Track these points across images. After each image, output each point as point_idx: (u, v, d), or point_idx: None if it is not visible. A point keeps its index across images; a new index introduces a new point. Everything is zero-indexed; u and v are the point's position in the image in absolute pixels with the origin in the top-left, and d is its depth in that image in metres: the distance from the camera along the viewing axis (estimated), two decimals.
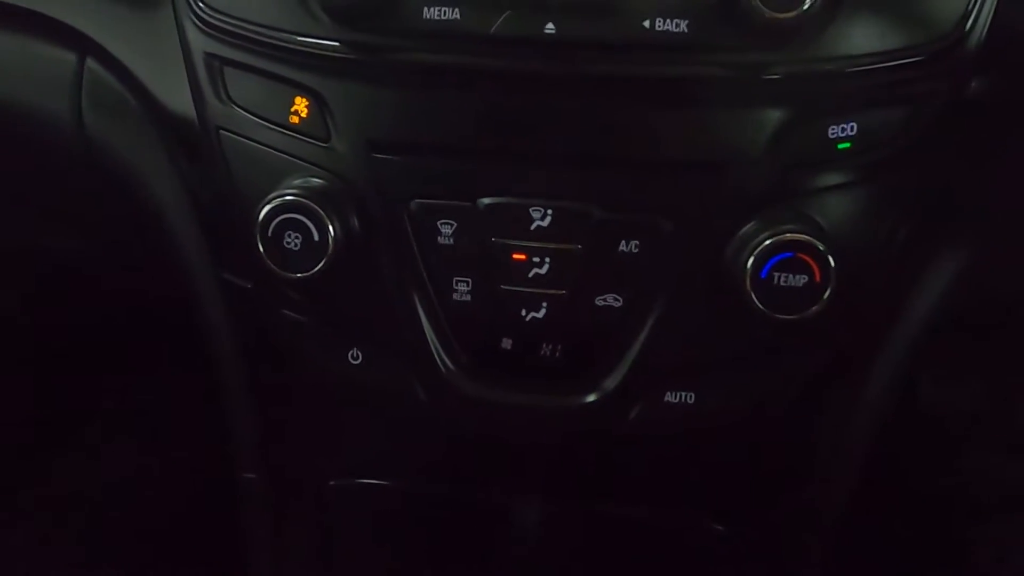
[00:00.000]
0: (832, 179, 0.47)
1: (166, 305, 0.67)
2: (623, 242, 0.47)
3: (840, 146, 0.46)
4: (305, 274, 0.47)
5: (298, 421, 0.58)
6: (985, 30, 0.46)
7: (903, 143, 0.47)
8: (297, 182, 0.49)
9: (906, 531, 0.73)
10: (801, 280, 0.44)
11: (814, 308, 0.45)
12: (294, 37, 0.48)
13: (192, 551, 0.81)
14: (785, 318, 0.45)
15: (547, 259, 0.48)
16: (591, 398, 0.50)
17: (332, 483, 0.57)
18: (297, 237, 0.47)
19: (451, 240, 0.49)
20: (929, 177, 0.48)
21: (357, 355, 0.53)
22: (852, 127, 0.46)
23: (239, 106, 0.51)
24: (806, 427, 0.54)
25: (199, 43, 0.50)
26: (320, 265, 0.47)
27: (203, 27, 0.49)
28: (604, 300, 0.49)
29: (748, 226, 0.46)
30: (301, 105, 0.49)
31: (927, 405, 0.72)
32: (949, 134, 0.47)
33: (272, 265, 0.48)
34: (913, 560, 0.72)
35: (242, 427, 0.58)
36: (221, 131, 0.51)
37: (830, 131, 0.46)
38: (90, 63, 0.55)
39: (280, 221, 0.47)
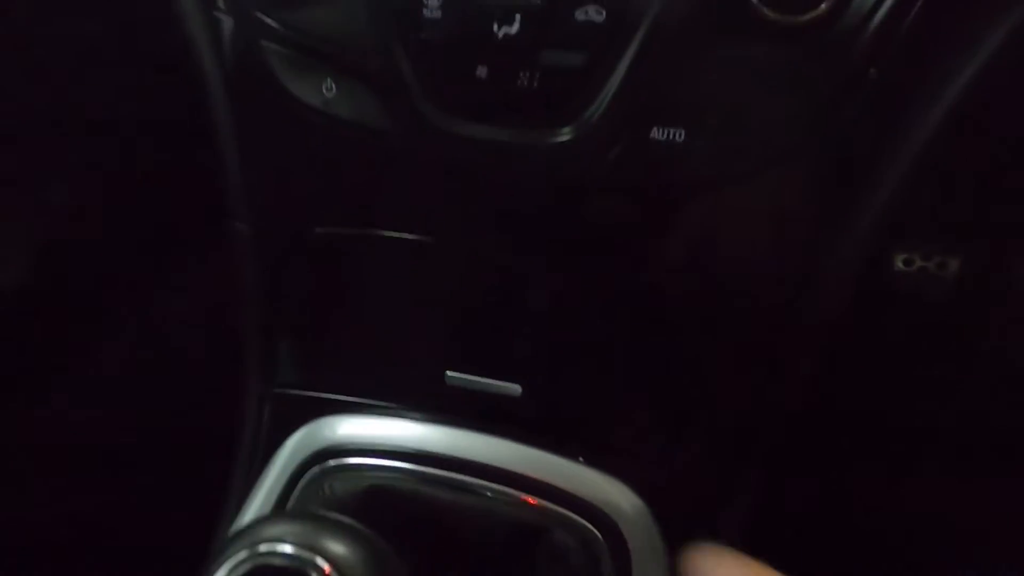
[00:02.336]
0: None
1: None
2: None
3: None
4: None
5: (282, 168, 0.56)
6: None
7: None
8: None
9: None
10: None
11: (822, 6, 0.38)
12: None
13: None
14: (788, 20, 0.38)
15: None
16: (569, 132, 0.46)
17: (318, 231, 0.56)
18: None
19: None
20: None
21: (331, 86, 0.50)
22: None
23: None
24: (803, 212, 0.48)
25: None
26: None
27: None
28: (585, 13, 0.43)
29: None
30: None
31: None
32: None
33: None
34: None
35: (232, 176, 0.58)
36: None
37: None
38: None
39: None
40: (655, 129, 0.45)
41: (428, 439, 0.54)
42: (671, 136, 0.45)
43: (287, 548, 0.35)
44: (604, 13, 0.43)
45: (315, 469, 0.54)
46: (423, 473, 0.53)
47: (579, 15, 0.43)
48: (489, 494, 0.52)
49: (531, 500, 0.51)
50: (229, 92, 0.55)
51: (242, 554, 0.35)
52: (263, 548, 0.35)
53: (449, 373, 0.55)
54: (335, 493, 0.53)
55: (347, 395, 0.58)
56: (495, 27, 0.44)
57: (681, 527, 0.53)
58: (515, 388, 0.54)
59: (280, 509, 0.52)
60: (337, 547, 0.35)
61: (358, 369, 0.59)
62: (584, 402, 0.54)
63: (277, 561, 0.35)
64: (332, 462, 0.54)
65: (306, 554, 0.35)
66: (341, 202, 0.55)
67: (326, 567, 0.35)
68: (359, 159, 0.53)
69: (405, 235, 0.54)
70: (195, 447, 0.65)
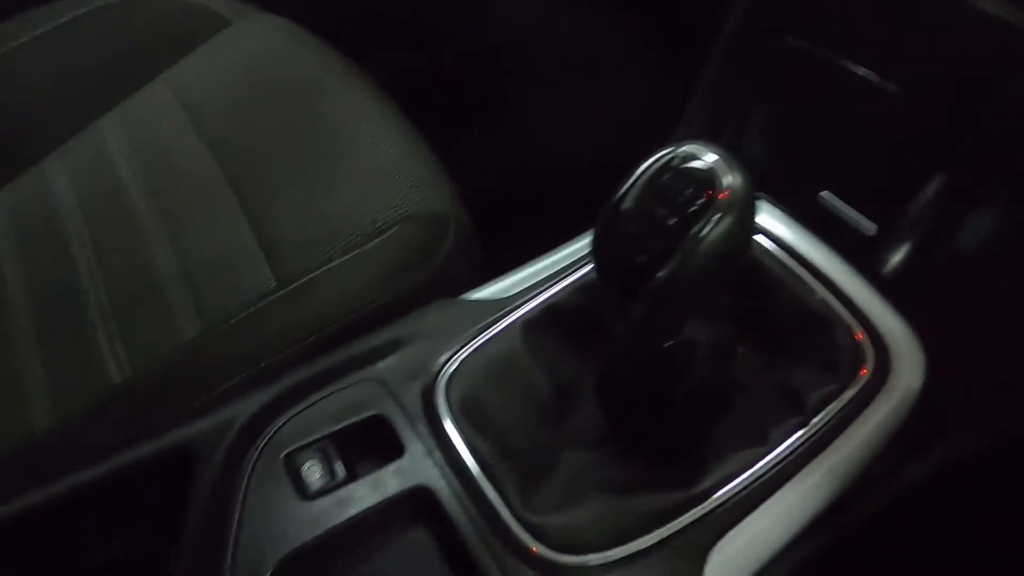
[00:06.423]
0: None
1: None
2: None
3: None
4: None
5: None
6: None
7: None
8: None
9: None
10: None
11: None
12: None
13: None
14: None
15: None
16: None
17: (791, 41, 0.63)
18: None
19: None
20: None
21: None
22: None
23: None
24: None
25: None
26: None
27: None
28: None
29: None
30: None
31: None
32: None
33: None
34: None
35: None
36: None
37: None
38: None
39: None
40: None
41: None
42: None
43: (711, 157, 0.43)
44: None
45: None
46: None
47: None
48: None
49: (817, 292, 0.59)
50: None
51: (668, 149, 0.44)
52: (689, 148, 0.43)
53: (822, 193, 0.63)
54: None
55: None
56: None
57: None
58: (871, 226, 0.60)
59: None
60: (736, 179, 0.42)
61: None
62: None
63: (697, 163, 0.43)
64: None
65: (722, 167, 0.42)
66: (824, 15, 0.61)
67: (725, 186, 0.41)
68: None
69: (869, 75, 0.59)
70: None
